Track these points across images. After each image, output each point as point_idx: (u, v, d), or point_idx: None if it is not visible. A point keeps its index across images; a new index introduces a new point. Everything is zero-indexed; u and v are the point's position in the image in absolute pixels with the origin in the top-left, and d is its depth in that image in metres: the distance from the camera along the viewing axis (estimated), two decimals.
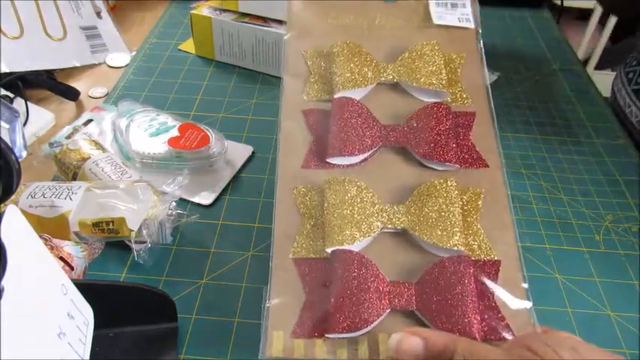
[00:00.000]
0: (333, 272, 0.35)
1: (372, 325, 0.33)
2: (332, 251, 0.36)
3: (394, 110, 0.44)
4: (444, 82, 0.44)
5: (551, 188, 0.56)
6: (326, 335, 0.34)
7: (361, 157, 0.41)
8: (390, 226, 0.38)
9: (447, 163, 0.40)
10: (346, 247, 0.36)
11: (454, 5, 0.49)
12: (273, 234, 0.38)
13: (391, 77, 0.44)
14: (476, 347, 0.29)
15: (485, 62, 0.46)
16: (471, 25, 0.48)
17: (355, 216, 0.37)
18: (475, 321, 0.33)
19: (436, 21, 0.48)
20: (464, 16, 0.48)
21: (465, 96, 0.44)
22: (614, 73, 0.76)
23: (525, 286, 0.36)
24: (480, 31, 0.48)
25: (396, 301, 0.34)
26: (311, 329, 0.34)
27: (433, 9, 0.49)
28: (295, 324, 0.34)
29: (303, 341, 0.34)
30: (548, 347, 0.27)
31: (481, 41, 0.47)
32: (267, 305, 0.35)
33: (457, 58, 0.46)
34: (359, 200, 0.38)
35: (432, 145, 0.40)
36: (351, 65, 0.44)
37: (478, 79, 0.45)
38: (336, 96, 0.43)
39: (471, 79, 0.45)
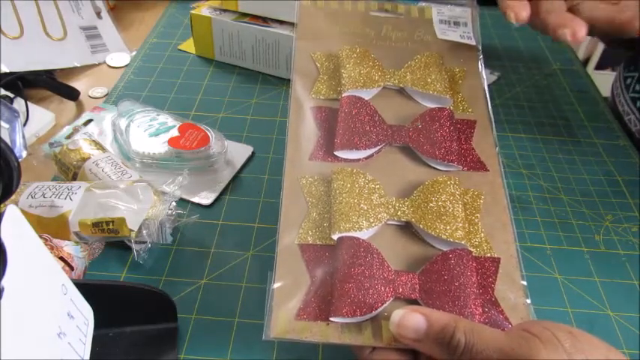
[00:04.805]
0: (339, 258, 0.36)
1: (376, 312, 0.34)
2: (338, 238, 0.37)
3: (399, 114, 0.45)
4: (448, 89, 0.46)
5: (551, 188, 0.56)
6: (330, 319, 0.34)
7: (367, 152, 0.42)
8: (395, 218, 0.38)
9: (450, 163, 0.42)
10: (352, 234, 0.37)
11: (457, 23, 0.51)
12: (279, 220, 0.38)
13: (397, 82, 0.46)
14: (477, 327, 0.30)
15: (485, 76, 0.48)
16: (472, 42, 0.50)
17: (362, 205, 0.38)
18: (477, 312, 0.34)
19: (440, 36, 0.51)
20: (466, 34, 0.51)
21: (466, 105, 0.46)
22: (615, 73, 0.76)
23: (524, 283, 0.37)
24: (480, 48, 0.50)
25: (400, 289, 0.35)
26: (315, 312, 0.34)
27: (437, 25, 0.51)
28: (299, 307, 0.34)
29: (306, 323, 0.34)
30: (545, 329, 0.29)
31: (481, 57, 0.50)
32: (272, 287, 0.35)
33: (459, 72, 0.49)
34: (366, 191, 0.39)
35: (436, 145, 0.42)
36: (360, 68, 0.46)
37: (478, 91, 0.48)
38: (344, 95, 0.44)
39: (472, 90, 0.48)
